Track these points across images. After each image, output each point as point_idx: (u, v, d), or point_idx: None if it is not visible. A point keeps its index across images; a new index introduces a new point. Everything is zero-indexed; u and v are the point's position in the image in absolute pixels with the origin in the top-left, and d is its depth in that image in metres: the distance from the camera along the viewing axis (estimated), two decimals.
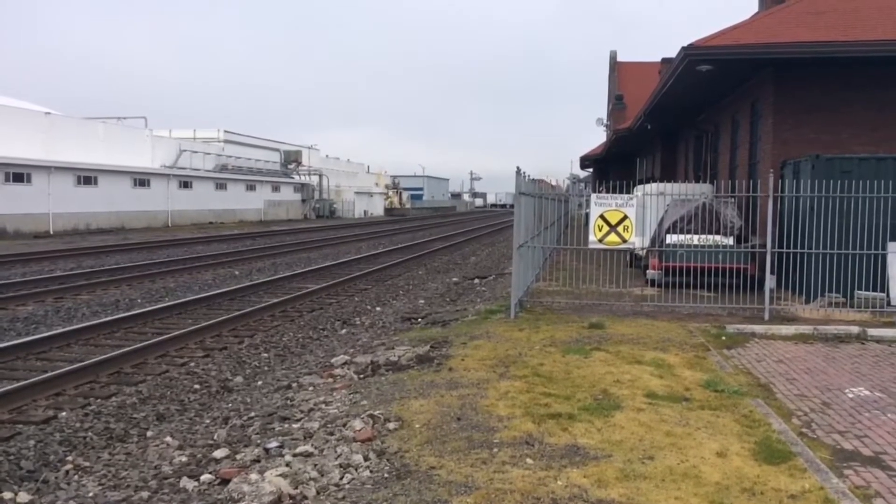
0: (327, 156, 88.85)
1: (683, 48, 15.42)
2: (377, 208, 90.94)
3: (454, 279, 20.45)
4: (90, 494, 5.83)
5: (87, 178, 42.88)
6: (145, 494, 5.68)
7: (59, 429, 7.30)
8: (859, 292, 12.47)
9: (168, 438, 7.06)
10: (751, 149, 17.77)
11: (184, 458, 6.43)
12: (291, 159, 74.65)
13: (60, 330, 11.65)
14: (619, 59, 50.35)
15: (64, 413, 7.78)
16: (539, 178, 44.62)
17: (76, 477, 6.25)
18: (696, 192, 15.89)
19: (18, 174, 37.93)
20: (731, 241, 14.40)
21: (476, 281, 19.78)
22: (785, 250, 12.69)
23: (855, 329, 10.93)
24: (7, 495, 5.86)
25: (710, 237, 14.25)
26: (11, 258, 23.61)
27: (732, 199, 15.41)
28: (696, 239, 14.12)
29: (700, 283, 13.41)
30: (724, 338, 10.61)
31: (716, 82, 17.68)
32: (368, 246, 31.16)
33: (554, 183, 61.02)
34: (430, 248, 30.60)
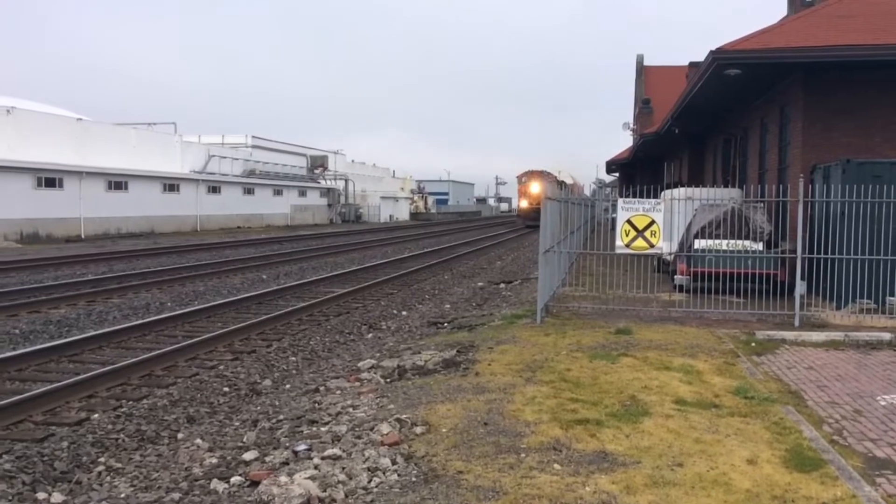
0: (353, 161, 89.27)
1: (712, 52, 15.32)
2: (402, 213, 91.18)
3: (480, 284, 20.46)
4: (122, 495, 5.91)
5: (117, 182, 43.45)
6: (176, 496, 5.74)
7: (91, 430, 7.41)
8: (891, 298, 12.30)
9: (198, 440, 7.14)
10: (780, 153, 17.60)
11: (214, 460, 6.50)
12: (317, 164, 75.11)
13: (92, 333, 11.81)
14: (646, 62, 50.10)
15: (96, 415, 7.89)
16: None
17: (108, 478, 6.34)
18: (725, 196, 15.76)
19: (51, 179, 38.52)
20: (760, 246, 14.27)
21: (502, 285, 19.77)
22: (815, 256, 12.55)
23: (887, 336, 10.79)
24: (41, 496, 5.96)
25: (739, 242, 14.13)
26: (44, 262, 23.98)
27: (762, 204, 15.27)
28: (724, 244, 14.01)
29: (729, 289, 13.30)
30: (753, 344, 10.51)
31: (744, 86, 17.54)
32: (394, 250, 31.26)
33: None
34: (456, 253, 30.63)
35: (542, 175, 55.14)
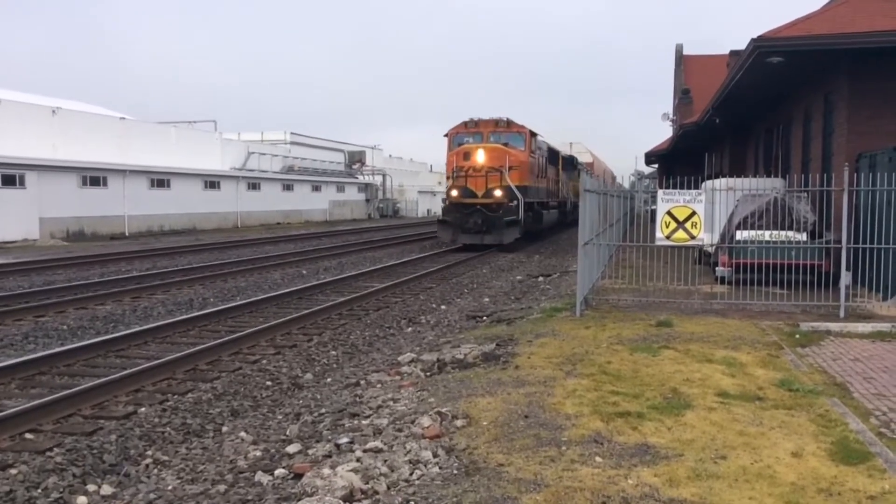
0: (390, 155, 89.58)
1: (753, 40, 15.07)
2: (440, 207, 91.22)
3: (518, 277, 20.41)
4: (169, 487, 6.03)
5: (160, 180, 44.14)
6: (222, 488, 5.85)
7: (138, 424, 7.56)
8: None
9: (243, 434, 7.25)
10: (824, 142, 17.27)
11: (258, 453, 6.60)
12: (356, 160, 75.53)
13: (138, 328, 12.04)
14: (685, 52, 49.45)
15: (143, 409, 8.05)
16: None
17: (156, 470, 6.47)
18: (768, 186, 15.52)
19: (95, 178, 39.27)
20: (804, 236, 14.03)
21: (540, 279, 19.71)
22: (861, 246, 12.31)
23: None
24: (91, 487, 6.11)
25: (783, 233, 13.90)
26: (90, 259, 24.48)
27: (805, 194, 15.01)
28: (767, 235, 13.80)
29: (772, 281, 13.09)
30: (797, 336, 10.35)
31: (787, 74, 17.24)
32: (432, 244, 31.29)
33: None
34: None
35: (498, 130, 29.33)
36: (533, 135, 30.39)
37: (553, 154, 36.96)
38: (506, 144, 28.47)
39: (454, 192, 28.08)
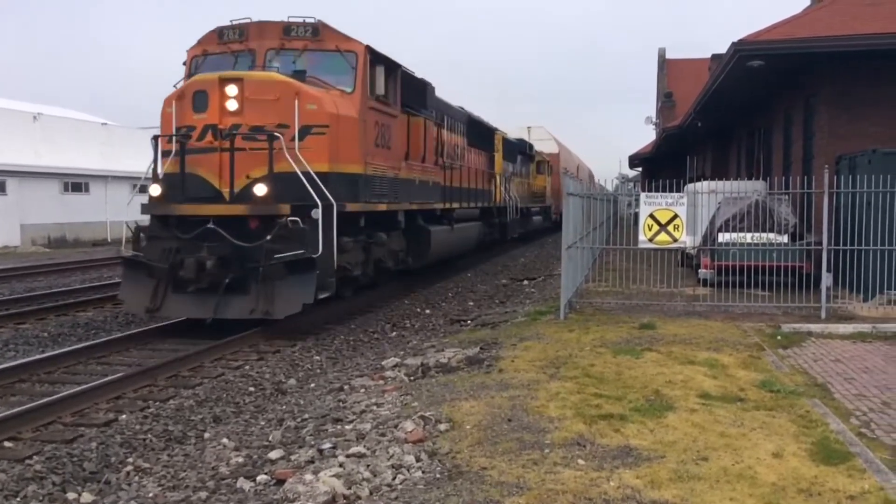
0: None
1: (734, 44, 15.18)
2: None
3: (503, 281, 20.43)
4: (150, 495, 5.99)
5: (143, 186, 43.84)
6: (204, 495, 5.81)
7: (119, 431, 7.50)
8: None
9: (225, 440, 7.21)
10: (805, 144, 17.40)
11: (240, 459, 6.56)
12: None
13: (119, 335, 11.95)
14: (668, 56, 49.80)
15: (124, 416, 7.99)
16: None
17: (137, 478, 6.42)
18: (749, 189, 15.62)
19: (77, 184, 39.06)
20: (785, 238, 14.13)
21: (525, 282, 19.73)
22: (842, 247, 12.40)
23: None
24: (71, 496, 6.05)
25: (764, 235, 14.00)
26: (72, 266, 24.30)
27: (786, 196, 15.12)
28: (749, 237, 13.88)
29: (754, 282, 13.17)
30: (779, 337, 10.42)
31: (768, 77, 17.36)
32: None
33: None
34: (478, 250, 30.55)
35: (290, 46, 13.40)
36: (385, 63, 14.39)
37: (478, 129, 23.14)
38: (301, 76, 12.81)
39: (157, 191, 12.63)
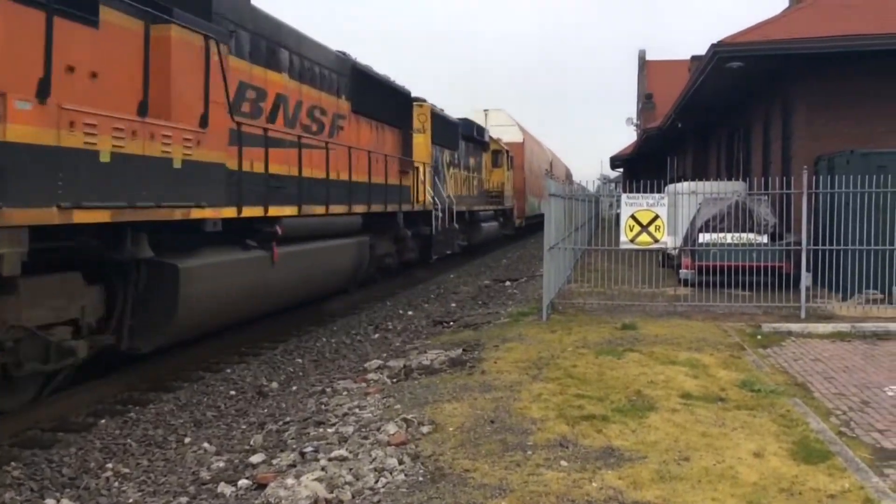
0: None
1: (713, 45, 15.29)
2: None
3: (485, 282, 20.45)
4: (130, 500, 5.93)
5: None
6: (184, 500, 5.76)
7: (98, 436, 7.42)
8: None
9: (206, 444, 7.15)
10: (783, 145, 17.55)
11: (221, 464, 6.51)
12: None
13: None
14: (648, 57, 50.11)
15: (103, 420, 7.90)
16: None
17: (116, 483, 6.35)
18: (729, 190, 15.73)
19: None
20: (765, 238, 14.24)
21: (507, 283, 19.75)
22: (821, 247, 12.51)
23: (894, 326, 10.76)
24: (50, 502, 5.98)
25: (744, 235, 14.10)
26: None
27: (766, 197, 15.23)
28: (729, 237, 13.97)
29: (734, 282, 13.27)
30: (759, 337, 10.49)
31: (747, 79, 17.50)
32: None
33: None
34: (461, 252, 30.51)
35: None
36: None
37: (376, 90, 15.95)
38: None
39: None
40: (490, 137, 29.61)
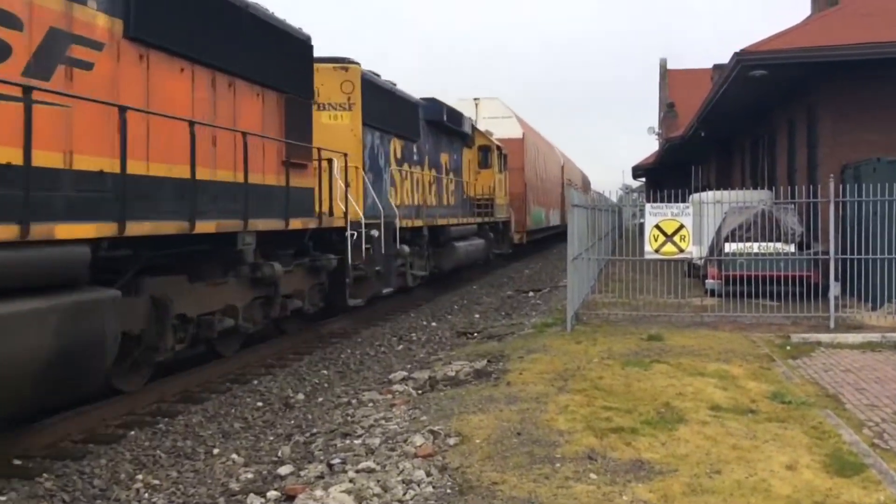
0: None
1: (736, 54, 15.22)
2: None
3: (508, 293, 20.42)
4: None
5: None
6: None
7: (128, 447, 7.48)
8: None
9: (234, 455, 7.19)
10: (809, 153, 17.41)
11: (250, 475, 6.54)
12: None
13: None
14: (669, 66, 49.94)
15: (133, 432, 7.96)
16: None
17: (147, 494, 6.39)
18: (755, 198, 15.61)
19: None
20: (792, 248, 14.10)
21: (530, 294, 19.72)
22: (849, 256, 12.38)
23: None
24: None
25: (771, 245, 13.98)
26: None
27: (792, 206, 15.10)
28: (755, 247, 13.86)
29: (762, 292, 13.16)
30: (788, 347, 10.38)
31: (770, 87, 17.39)
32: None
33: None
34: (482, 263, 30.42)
35: None
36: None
37: (238, 26, 9.53)
38: None
39: None
40: (475, 128, 23.70)
